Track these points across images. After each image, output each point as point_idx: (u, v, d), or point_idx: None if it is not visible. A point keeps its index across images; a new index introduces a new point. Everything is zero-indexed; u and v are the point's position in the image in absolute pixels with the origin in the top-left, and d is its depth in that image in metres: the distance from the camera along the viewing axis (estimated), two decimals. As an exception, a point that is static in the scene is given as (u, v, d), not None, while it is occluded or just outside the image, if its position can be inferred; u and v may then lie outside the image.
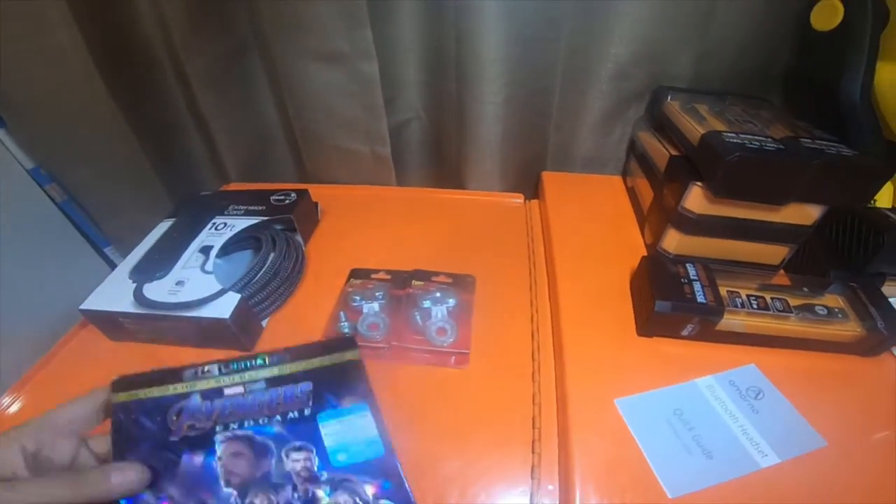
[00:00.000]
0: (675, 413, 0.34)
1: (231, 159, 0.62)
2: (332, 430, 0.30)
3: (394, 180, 0.60)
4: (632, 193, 0.56)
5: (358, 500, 0.28)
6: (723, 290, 0.38)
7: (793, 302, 0.38)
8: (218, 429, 0.30)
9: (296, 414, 0.31)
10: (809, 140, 0.40)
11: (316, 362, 0.33)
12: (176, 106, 0.58)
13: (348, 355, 0.33)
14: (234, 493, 0.28)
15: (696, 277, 0.39)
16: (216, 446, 0.29)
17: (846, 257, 0.41)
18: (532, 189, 0.61)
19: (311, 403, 0.31)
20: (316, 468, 0.29)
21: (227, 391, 0.31)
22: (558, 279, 0.45)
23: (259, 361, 0.33)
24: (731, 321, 0.37)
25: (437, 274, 0.46)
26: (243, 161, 0.63)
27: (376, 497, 0.28)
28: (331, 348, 0.34)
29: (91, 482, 0.25)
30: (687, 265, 0.41)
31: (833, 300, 0.39)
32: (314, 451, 0.29)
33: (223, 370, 0.32)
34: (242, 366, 0.32)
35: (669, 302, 0.37)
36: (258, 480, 0.28)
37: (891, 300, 0.39)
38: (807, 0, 0.45)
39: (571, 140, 0.57)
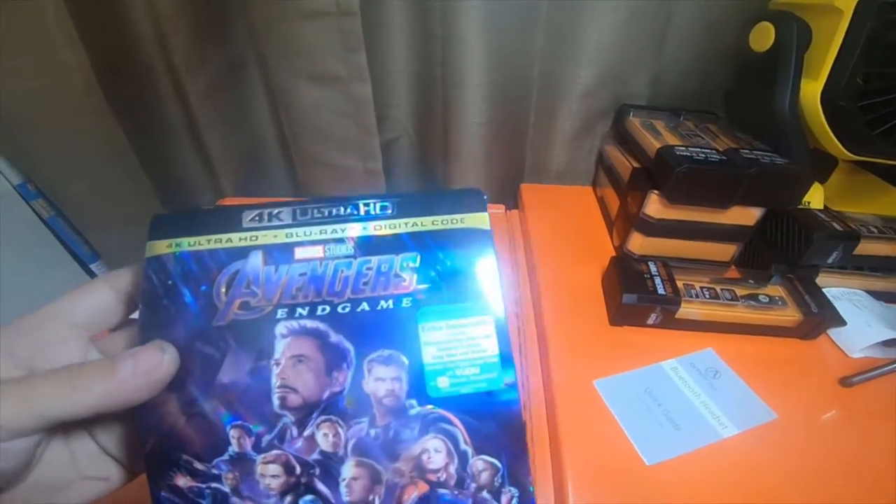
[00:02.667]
0: (645, 391, 0.38)
1: (227, 173, 0.65)
2: (435, 339, 0.22)
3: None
4: (601, 202, 0.62)
5: (451, 448, 0.21)
6: (679, 283, 0.44)
7: (739, 292, 0.44)
8: (280, 314, 0.21)
9: (390, 303, 0.22)
10: (748, 150, 0.46)
11: (428, 223, 0.23)
12: (173, 120, 0.61)
13: (474, 220, 0.24)
14: (291, 418, 0.21)
15: (656, 273, 0.45)
16: (275, 342, 0.21)
17: (785, 253, 0.47)
18: (512, 200, 0.66)
19: (412, 289, 0.22)
20: (405, 395, 0.21)
21: (298, 252, 0.22)
22: (539, 279, 0.49)
23: (350, 209, 0.23)
24: (688, 310, 0.42)
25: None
26: (238, 175, 0.66)
27: (479, 449, 0.21)
28: (453, 204, 0.24)
29: (87, 377, 0.18)
30: (648, 263, 0.46)
31: (775, 290, 0.44)
32: (406, 368, 0.21)
33: (298, 217, 0.23)
34: (325, 213, 0.23)
35: (635, 294, 0.42)
36: (324, 404, 0.21)
37: (825, 289, 0.45)
38: (744, 25, 0.51)
39: (546, 155, 0.63)
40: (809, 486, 0.33)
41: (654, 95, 0.58)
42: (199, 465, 0.20)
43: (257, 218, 0.23)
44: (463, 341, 0.22)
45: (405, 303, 0.22)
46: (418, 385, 0.21)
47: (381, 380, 0.21)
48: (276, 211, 0.23)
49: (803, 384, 0.40)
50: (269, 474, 0.21)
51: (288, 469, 0.21)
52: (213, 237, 0.22)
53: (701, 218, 0.47)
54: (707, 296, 0.43)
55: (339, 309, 0.22)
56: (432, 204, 0.24)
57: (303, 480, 0.21)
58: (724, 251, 0.50)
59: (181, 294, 0.21)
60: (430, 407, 0.21)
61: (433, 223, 0.23)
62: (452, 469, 0.21)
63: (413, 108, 0.59)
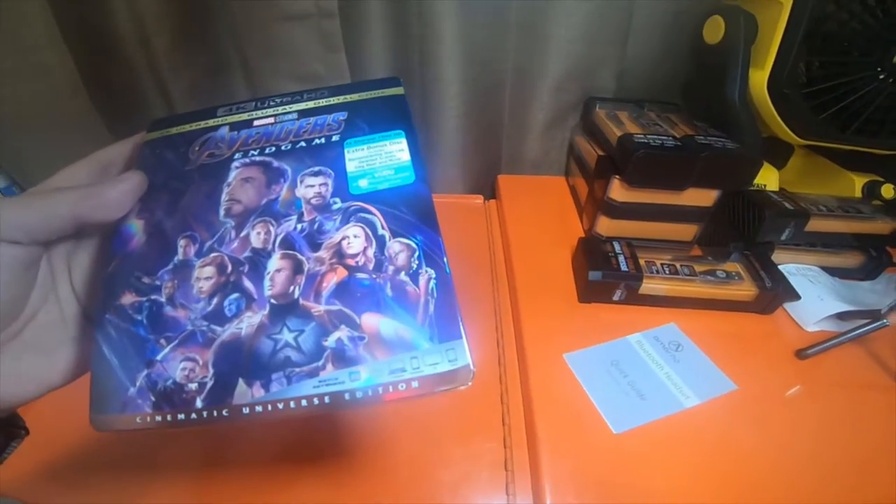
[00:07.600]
0: (612, 363, 0.41)
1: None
2: (357, 156, 0.26)
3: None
4: (572, 190, 0.65)
5: (370, 233, 0.24)
6: (642, 261, 0.47)
7: (698, 268, 0.47)
8: (237, 156, 0.27)
9: (322, 140, 0.27)
10: (703, 137, 0.49)
11: (356, 97, 0.29)
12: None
13: (392, 91, 0.30)
14: (232, 223, 0.24)
15: (620, 252, 0.48)
16: (230, 172, 0.26)
17: (743, 231, 0.50)
18: (490, 190, 0.69)
19: (341, 130, 0.28)
20: (330, 195, 0.25)
21: (256, 122, 0.28)
22: (514, 263, 0.52)
23: (297, 97, 0.30)
24: (650, 285, 0.45)
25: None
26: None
27: (395, 233, 0.23)
28: (374, 85, 0.30)
29: (85, 194, 0.23)
30: (613, 242, 0.49)
31: (732, 266, 0.47)
32: (332, 177, 0.26)
33: (259, 105, 0.29)
34: (279, 101, 0.29)
35: (600, 271, 0.45)
36: (262, 209, 0.25)
37: (782, 266, 0.48)
38: (701, 19, 0.53)
39: (520, 146, 0.65)
40: (768, 451, 0.35)
41: (620, 88, 0.61)
42: (146, 280, 0.23)
43: (227, 110, 0.29)
44: (381, 154, 0.26)
45: (335, 138, 0.27)
46: (342, 187, 0.25)
47: (311, 186, 0.25)
48: (242, 104, 0.29)
49: (761, 357, 0.43)
50: (204, 276, 0.23)
51: (220, 269, 0.23)
52: (194, 123, 0.29)
53: (661, 200, 0.50)
54: (667, 272, 0.46)
55: (283, 148, 0.27)
56: (359, 87, 0.30)
57: (231, 279, 0.23)
58: (687, 231, 0.53)
59: (165, 157, 0.27)
60: (351, 202, 0.24)
61: (359, 97, 0.29)
62: (371, 252, 0.23)
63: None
